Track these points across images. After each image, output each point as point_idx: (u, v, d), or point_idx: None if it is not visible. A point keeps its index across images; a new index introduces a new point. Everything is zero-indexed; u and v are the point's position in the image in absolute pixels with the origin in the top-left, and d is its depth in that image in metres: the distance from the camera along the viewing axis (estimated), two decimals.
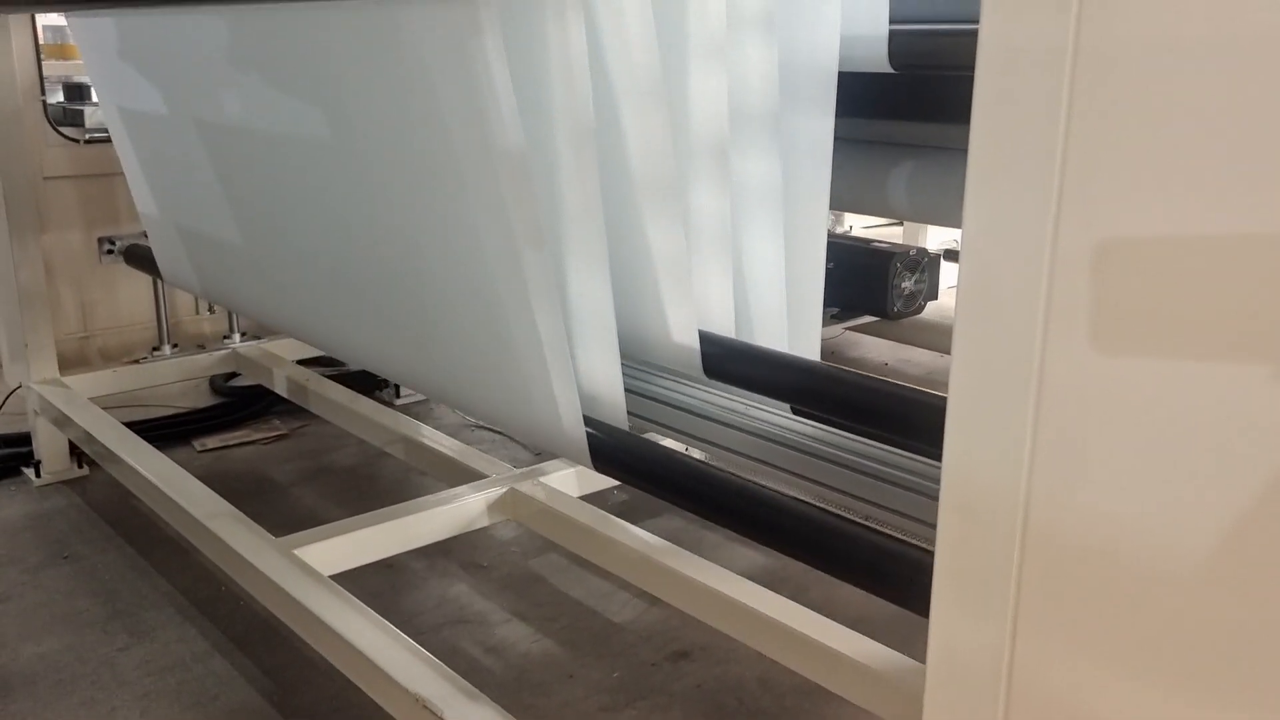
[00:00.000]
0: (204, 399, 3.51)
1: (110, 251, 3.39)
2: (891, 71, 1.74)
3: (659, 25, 1.49)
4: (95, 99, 3.22)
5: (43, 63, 3.31)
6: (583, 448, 1.50)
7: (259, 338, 3.44)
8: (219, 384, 3.51)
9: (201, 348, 3.39)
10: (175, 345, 3.44)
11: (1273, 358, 0.59)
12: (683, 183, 1.62)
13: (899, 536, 1.21)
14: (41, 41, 3.38)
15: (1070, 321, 0.66)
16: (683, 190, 1.62)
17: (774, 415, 1.60)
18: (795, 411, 1.64)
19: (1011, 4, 0.66)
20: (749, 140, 1.67)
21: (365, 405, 2.75)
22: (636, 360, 1.75)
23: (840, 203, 3.51)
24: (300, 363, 3.44)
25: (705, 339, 1.64)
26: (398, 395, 3.72)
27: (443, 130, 1.47)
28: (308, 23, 1.64)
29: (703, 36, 1.56)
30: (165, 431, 3.11)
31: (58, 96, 3.62)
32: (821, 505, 1.31)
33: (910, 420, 1.40)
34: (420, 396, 3.76)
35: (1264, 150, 0.57)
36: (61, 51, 4.63)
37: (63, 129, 3.33)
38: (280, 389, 3.06)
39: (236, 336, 3.45)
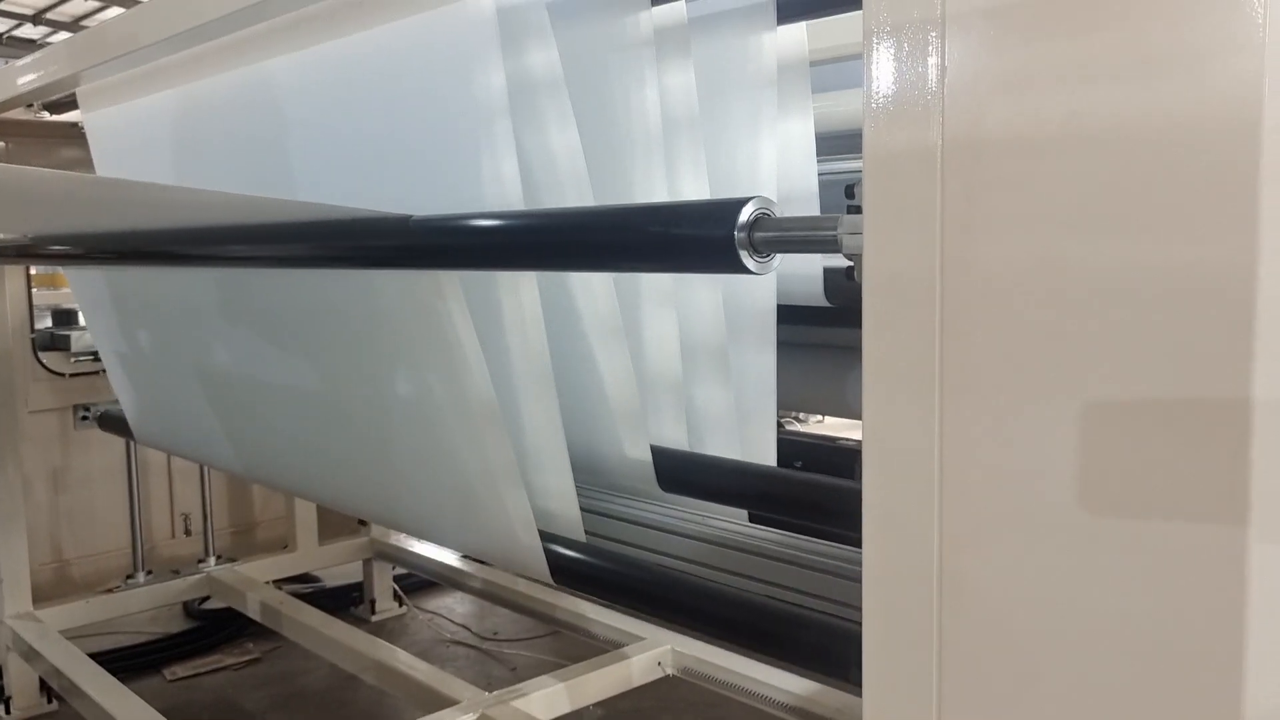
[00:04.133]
0: (177, 622, 3.49)
1: (85, 418, 3.42)
2: (828, 306, 1.88)
3: (619, 277, 1.64)
4: (82, 322, 3.35)
5: (32, 292, 3.44)
6: (540, 562, 1.52)
7: (234, 560, 3.46)
8: (192, 608, 3.50)
9: (176, 572, 3.40)
10: (149, 571, 3.44)
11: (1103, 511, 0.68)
12: (645, 410, 1.73)
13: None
14: (33, 271, 3.52)
15: (957, 487, 0.80)
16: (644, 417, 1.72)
17: (731, 524, 1.62)
18: (752, 518, 1.67)
19: (888, 235, 0.80)
20: (702, 371, 1.79)
21: (338, 629, 2.75)
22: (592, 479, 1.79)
23: (805, 404, 3.65)
24: (275, 582, 3.46)
25: (658, 452, 1.68)
26: (373, 612, 3.71)
27: (419, 377, 1.58)
28: (293, 284, 1.77)
29: (654, 286, 1.71)
30: (136, 661, 3.09)
31: (46, 321, 3.75)
32: (809, 604, 1.31)
33: None
34: (397, 611, 3.76)
35: (1081, 358, 0.72)
36: (52, 281, 4.82)
37: (49, 353, 3.43)
38: (253, 612, 3.07)
39: (211, 560, 3.46)
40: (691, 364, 1.78)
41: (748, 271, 0.99)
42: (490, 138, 1.46)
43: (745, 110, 1.79)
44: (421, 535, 2.12)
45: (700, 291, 1.76)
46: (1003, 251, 0.75)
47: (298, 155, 1.82)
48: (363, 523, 3.76)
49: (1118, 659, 0.73)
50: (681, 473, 1.69)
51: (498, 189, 1.45)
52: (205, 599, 3.48)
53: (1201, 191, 0.67)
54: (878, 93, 0.79)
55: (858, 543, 0.85)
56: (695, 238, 1.02)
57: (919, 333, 0.80)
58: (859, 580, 1.20)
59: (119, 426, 2.82)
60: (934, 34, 0.76)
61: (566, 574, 1.53)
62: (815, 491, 1.56)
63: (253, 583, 3.17)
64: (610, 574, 1.48)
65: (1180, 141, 0.67)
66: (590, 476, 1.77)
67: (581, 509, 1.59)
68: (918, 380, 0.81)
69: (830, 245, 0.91)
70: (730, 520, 1.66)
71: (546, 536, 1.53)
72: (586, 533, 1.59)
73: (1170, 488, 0.70)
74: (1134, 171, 0.69)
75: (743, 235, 0.98)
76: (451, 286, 1.44)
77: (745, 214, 0.98)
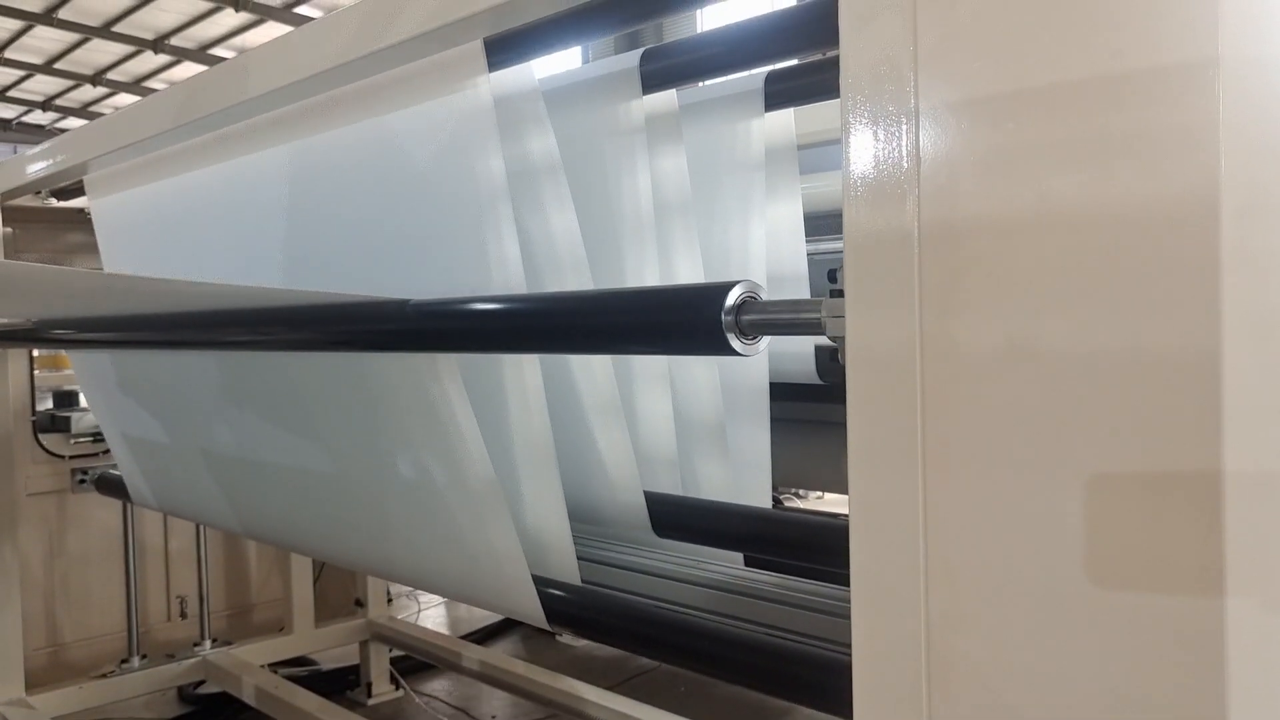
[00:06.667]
0: (172, 707, 3.45)
1: (83, 482, 3.41)
2: (820, 383, 1.91)
3: (617, 357, 1.66)
4: (84, 403, 3.36)
5: (35, 374, 3.46)
6: (536, 607, 1.51)
7: (230, 642, 3.42)
8: (187, 692, 3.45)
9: (171, 656, 3.37)
10: (144, 655, 3.41)
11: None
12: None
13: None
14: (35, 353, 3.55)
15: (942, 564, 0.81)
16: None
17: (727, 568, 1.61)
18: (748, 561, 1.66)
19: (869, 315, 0.83)
20: (700, 447, 1.81)
21: (334, 713, 2.72)
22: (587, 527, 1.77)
23: (803, 480, 3.65)
24: (272, 665, 3.42)
25: (652, 498, 1.67)
26: (369, 695, 3.66)
27: (417, 457, 1.60)
28: (294, 365, 1.80)
29: (649, 363, 1.73)
30: None
31: (47, 403, 3.77)
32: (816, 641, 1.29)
33: None
34: (394, 694, 3.71)
35: (1058, 435, 0.74)
36: (54, 362, 4.86)
37: (49, 435, 3.44)
38: (248, 697, 3.03)
39: (207, 644, 3.43)
40: (688, 440, 1.79)
41: (735, 353, 1.01)
42: (493, 222, 1.50)
43: (735, 193, 1.83)
44: (420, 586, 2.12)
45: (697, 370, 1.79)
46: (980, 331, 0.78)
47: (301, 242, 1.86)
48: (360, 603, 3.73)
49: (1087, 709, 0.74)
50: (675, 517, 1.69)
51: (501, 272, 1.48)
52: (200, 683, 3.44)
53: (1166, 273, 0.70)
54: (856, 178, 0.82)
55: None
56: (684, 321, 1.05)
57: (901, 410, 0.82)
58: None
59: (117, 489, 2.82)
60: (908, 124, 0.80)
61: (560, 617, 1.51)
62: (811, 531, 1.56)
63: (248, 666, 3.14)
64: (603, 615, 1.47)
65: (1143, 225, 0.70)
66: (586, 524, 1.77)
67: (579, 558, 1.60)
68: (900, 457, 0.82)
69: (814, 328, 0.94)
70: (726, 565, 1.66)
71: (545, 583, 1.52)
72: (583, 580, 1.60)
73: (1150, 560, 0.72)
74: (1101, 253, 0.72)
75: (729, 319, 1.00)
76: (449, 369, 1.47)
77: (732, 298, 1.00)
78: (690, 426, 1.79)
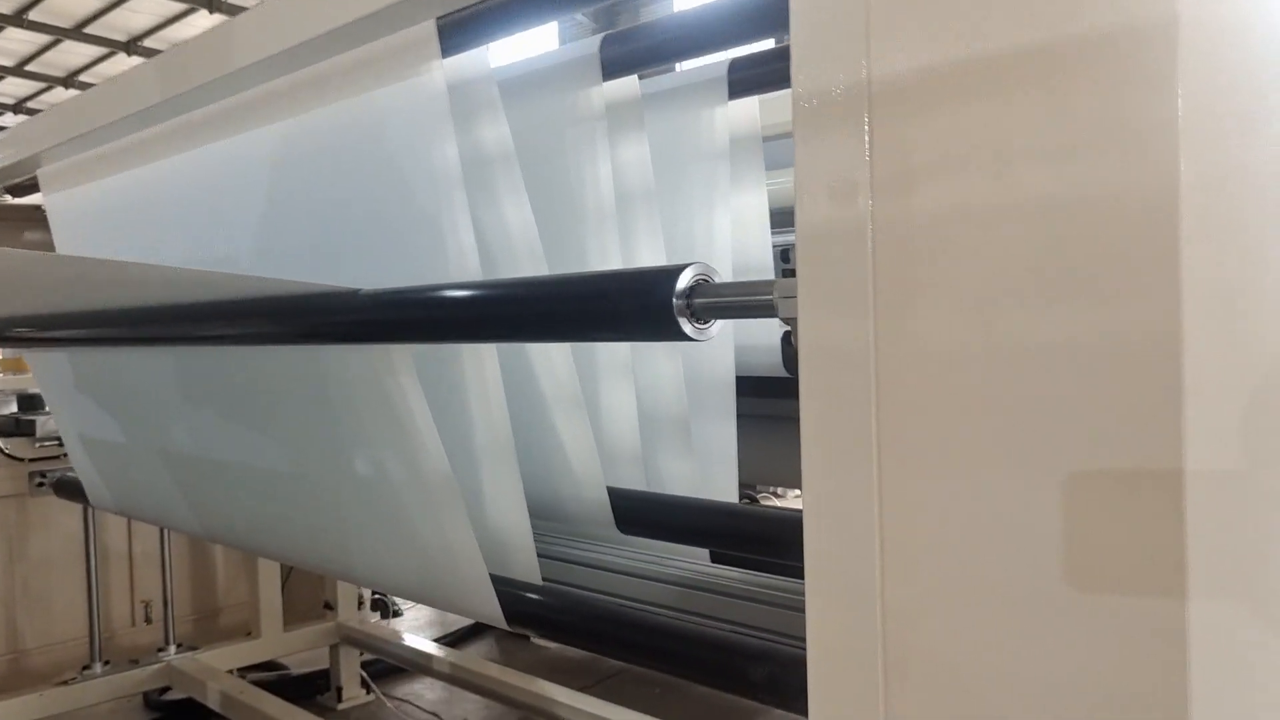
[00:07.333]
0: (137, 714, 3.38)
1: (41, 485, 3.33)
2: (790, 377, 1.87)
3: (575, 350, 1.62)
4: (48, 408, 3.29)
5: None
6: (495, 608, 1.46)
7: (195, 648, 3.36)
8: (152, 699, 3.39)
9: (135, 662, 3.30)
10: (107, 662, 3.34)
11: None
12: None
13: None
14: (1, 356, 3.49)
15: (899, 557, 0.78)
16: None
17: (692, 564, 1.57)
18: (714, 557, 1.62)
19: (822, 308, 0.79)
20: (664, 441, 1.77)
21: (300, 719, 2.67)
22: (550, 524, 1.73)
23: (777, 478, 3.62)
24: (240, 670, 3.37)
25: (615, 493, 1.63)
26: (339, 700, 3.60)
27: (373, 455, 1.56)
28: (249, 358, 1.75)
29: (612, 355, 1.69)
30: None
31: (11, 406, 3.70)
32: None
33: None
34: (364, 699, 3.66)
35: (1013, 426, 0.71)
36: (16, 365, 4.78)
37: (12, 439, 3.37)
38: (214, 703, 2.97)
39: (172, 649, 3.36)
40: (653, 435, 1.76)
41: (687, 338, 0.97)
42: (449, 211, 1.46)
43: (700, 182, 1.80)
44: (377, 587, 2.07)
45: (661, 362, 1.75)
46: (934, 321, 0.75)
47: (263, 236, 1.82)
48: (329, 606, 3.68)
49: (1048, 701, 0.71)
50: (640, 512, 1.65)
51: (459, 263, 1.45)
52: (166, 689, 3.37)
53: (1123, 258, 0.66)
54: (808, 168, 0.79)
55: None
56: (634, 306, 1.01)
57: (855, 401, 0.78)
58: None
59: (75, 492, 2.76)
60: (863, 111, 0.76)
61: (519, 618, 1.47)
62: (776, 526, 1.53)
63: (214, 672, 3.08)
64: (563, 615, 1.44)
65: (1102, 210, 0.67)
66: (548, 521, 1.73)
67: (540, 555, 1.56)
68: (855, 449, 0.79)
69: (767, 309, 0.90)
70: (691, 561, 1.62)
71: (505, 582, 1.48)
72: (544, 579, 1.55)
73: (1111, 553, 0.69)
74: (1059, 244, 0.69)
75: (681, 302, 0.97)
76: (403, 361, 1.42)
77: (684, 280, 0.97)
78: (654, 421, 1.75)
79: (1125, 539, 0.67)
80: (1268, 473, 0.67)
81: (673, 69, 1.99)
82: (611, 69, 1.63)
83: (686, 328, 0.97)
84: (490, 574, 1.47)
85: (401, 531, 1.59)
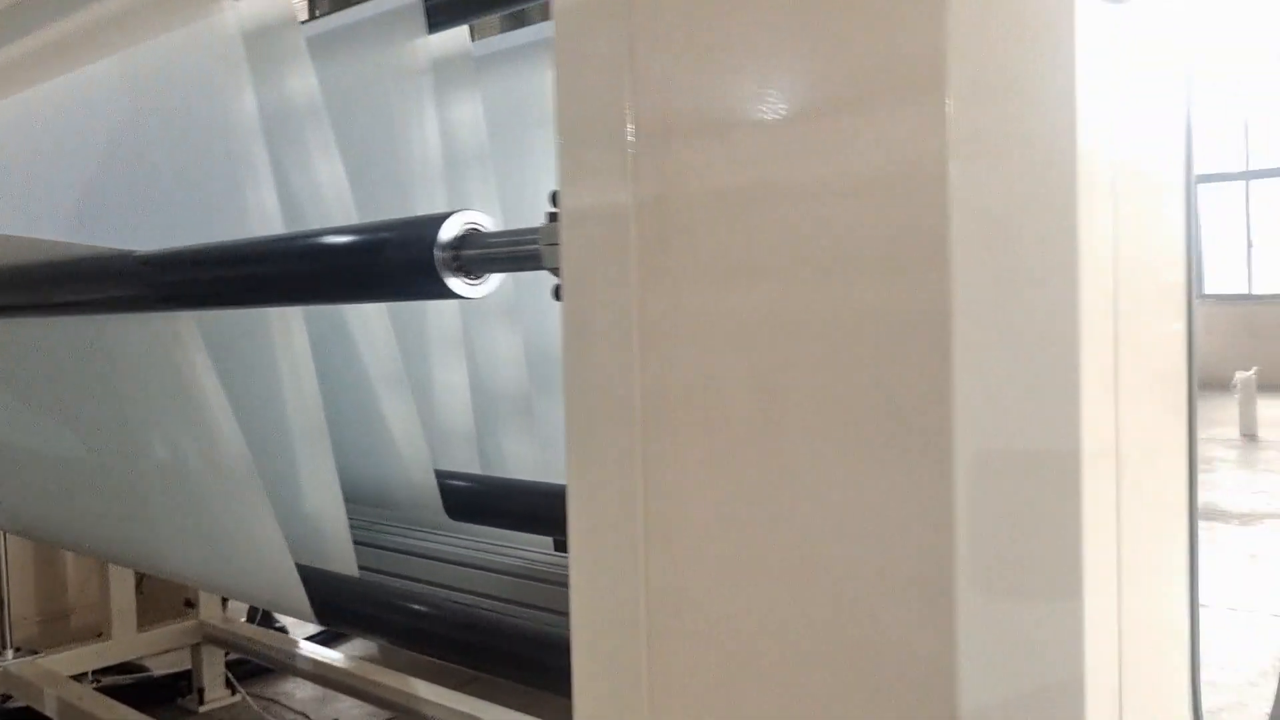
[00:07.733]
0: None
1: None
2: None
3: (399, 322, 1.50)
4: None
5: None
6: (303, 602, 1.34)
7: (35, 651, 3.14)
8: None
9: None
10: None
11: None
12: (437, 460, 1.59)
13: None
14: None
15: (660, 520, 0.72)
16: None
17: (533, 552, 1.48)
18: (559, 545, 1.52)
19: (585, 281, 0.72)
20: (503, 422, 1.66)
21: None
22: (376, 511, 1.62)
23: None
24: (96, 673, 3.16)
25: (445, 476, 1.53)
26: (201, 701, 3.41)
27: (166, 436, 1.42)
28: (46, 336, 1.58)
29: (441, 328, 1.58)
30: None
31: None
32: None
33: None
34: (229, 699, 3.47)
35: (773, 397, 0.66)
36: None
37: None
38: (51, 711, 2.77)
39: (9, 654, 3.13)
40: (489, 415, 1.64)
41: (455, 295, 0.86)
42: (248, 167, 1.32)
43: (544, 145, 1.69)
44: (187, 582, 1.94)
45: (498, 335, 1.64)
46: (693, 296, 0.69)
47: (52, 191, 1.65)
48: (190, 604, 3.48)
49: (815, 665, 0.66)
50: (471, 497, 1.55)
51: (260, 222, 1.31)
52: (7, 698, 3.14)
53: (889, 231, 0.61)
54: (571, 137, 0.71)
55: None
56: (398, 260, 0.89)
57: (617, 379, 0.71)
58: None
59: None
60: (626, 77, 0.69)
61: (329, 613, 1.37)
62: None
63: (54, 677, 2.87)
64: (376, 609, 1.34)
65: (866, 184, 0.61)
66: (376, 508, 1.62)
67: (364, 544, 1.44)
68: (617, 424, 0.72)
69: (536, 260, 0.80)
70: (532, 549, 1.52)
71: (316, 575, 1.36)
72: (363, 569, 1.43)
73: (856, 518, 0.63)
74: (823, 223, 0.64)
75: (447, 254, 0.85)
76: (190, 332, 1.28)
77: (448, 231, 0.85)
78: (492, 399, 1.64)
79: (881, 502, 0.61)
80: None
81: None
82: (438, 19, 1.51)
83: (455, 283, 0.86)
84: (302, 566, 1.34)
85: (202, 521, 1.45)
